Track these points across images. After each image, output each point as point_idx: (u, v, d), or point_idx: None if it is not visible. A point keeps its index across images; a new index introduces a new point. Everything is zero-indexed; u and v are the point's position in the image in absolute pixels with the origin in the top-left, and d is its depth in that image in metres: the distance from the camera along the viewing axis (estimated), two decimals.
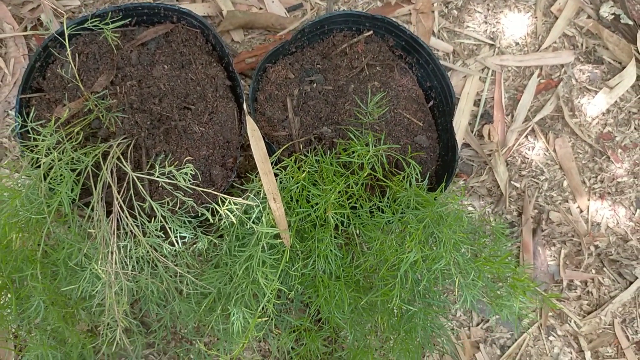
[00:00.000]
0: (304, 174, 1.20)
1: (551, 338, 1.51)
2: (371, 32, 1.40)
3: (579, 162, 1.66)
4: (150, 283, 1.16)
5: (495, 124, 1.70)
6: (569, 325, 1.52)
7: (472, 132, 1.69)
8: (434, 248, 1.14)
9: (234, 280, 1.16)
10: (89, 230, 1.13)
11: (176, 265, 1.16)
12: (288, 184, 1.20)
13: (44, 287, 1.13)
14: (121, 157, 1.17)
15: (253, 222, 1.16)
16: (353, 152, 1.19)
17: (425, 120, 1.40)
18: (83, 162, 1.15)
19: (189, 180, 1.12)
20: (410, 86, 1.40)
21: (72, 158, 1.15)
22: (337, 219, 1.16)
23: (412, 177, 1.17)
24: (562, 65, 1.74)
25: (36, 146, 1.14)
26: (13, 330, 1.25)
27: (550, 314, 1.53)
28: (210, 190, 1.12)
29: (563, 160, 1.66)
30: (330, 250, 1.17)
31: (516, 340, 1.51)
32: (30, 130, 1.17)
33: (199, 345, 1.22)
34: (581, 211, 1.62)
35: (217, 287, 1.18)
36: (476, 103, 1.72)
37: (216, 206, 1.13)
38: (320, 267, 1.20)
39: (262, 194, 1.18)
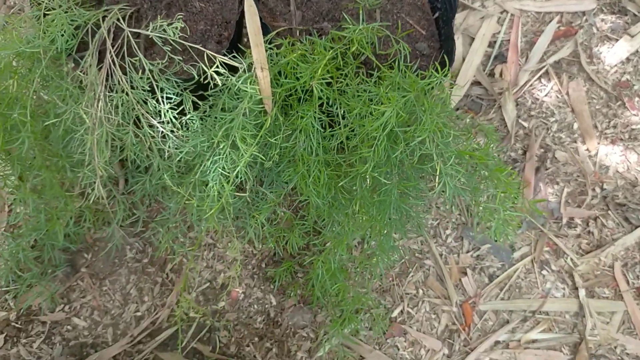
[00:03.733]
0: (295, 54, 1.21)
1: (544, 272, 1.44)
2: None
3: (592, 107, 1.61)
4: (132, 136, 1.18)
5: (508, 65, 1.67)
6: (565, 261, 1.45)
7: (484, 71, 1.67)
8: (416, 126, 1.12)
9: (213, 142, 1.17)
10: (80, 76, 1.17)
11: (161, 123, 1.18)
12: (279, 60, 1.21)
13: (31, 126, 1.16)
14: (121, 18, 1.21)
15: (238, 90, 1.17)
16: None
17: (429, 29, 1.39)
18: (84, 16, 1.19)
19: (178, 34, 1.14)
20: None
21: (74, 13, 1.19)
22: (322, 94, 1.16)
23: (401, 56, 1.16)
24: (584, 13, 1.71)
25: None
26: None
27: (545, 249, 1.46)
28: (198, 47, 1.14)
29: (575, 103, 1.61)
30: (312, 124, 1.17)
31: (506, 270, 1.45)
32: None
33: (180, 196, 1.23)
34: (589, 153, 1.56)
35: (197, 150, 1.19)
36: (491, 45, 1.70)
37: (204, 66, 1.15)
38: (301, 143, 1.19)
39: (252, 69, 1.20)
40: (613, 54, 1.66)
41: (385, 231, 1.19)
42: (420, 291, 1.43)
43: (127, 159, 1.22)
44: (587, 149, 1.57)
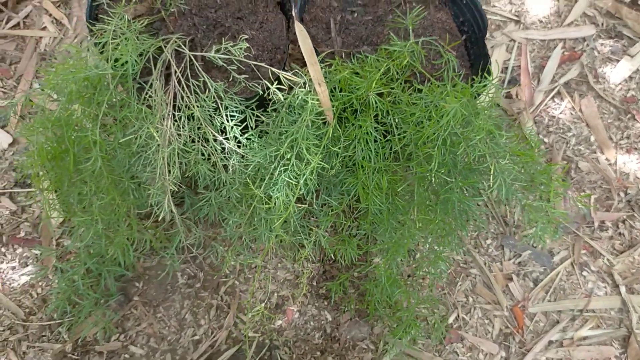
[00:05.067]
0: (348, 70, 1.29)
1: (584, 273, 1.51)
2: None
3: (605, 121, 1.73)
4: (200, 152, 1.22)
5: (522, 87, 1.79)
6: (602, 262, 1.52)
7: (501, 94, 1.78)
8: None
9: (279, 153, 1.22)
10: (149, 97, 1.22)
11: (226, 139, 1.23)
12: (332, 77, 1.29)
13: (101, 145, 1.19)
14: (181, 44, 1.28)
15: (299, 106, 1.24)
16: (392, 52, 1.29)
17: (459, 50, 1.50)
18: (146, 43, 1.26)
19: (243, 54, 1.22)
20: (445, 19, 1.51)
21: (137, 38, 1.25)
22: (377, 104, 1.23)
23: (450, 67, 1.25)
24: (584, 39, 1.86)
25: (105, 31, 1.26)
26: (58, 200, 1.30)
27: (582, 251, 1.53)
28: (263, 64, 1.21)
29: (589, 118, 1.73)
30: (370, 133, 1.24)
31: (549, 274, 1.51)
32: (100, 18, 1.30)
33: (241, 211, 1.26)
34: (609, 162, 1.66)
35: (263, 163, 1.24)
36: (503, 71, 1.82)
37: (267, 82, 1.22)
38: (360, 151, 1.26)
39: (309, 85, 1.27)
40: (616, 74, 1.80)
41: (448, 229, 1.25)
42: (471, 299, 1.47)
43: (182, 180, 1.26)
44: (607, 159, 1.67)
